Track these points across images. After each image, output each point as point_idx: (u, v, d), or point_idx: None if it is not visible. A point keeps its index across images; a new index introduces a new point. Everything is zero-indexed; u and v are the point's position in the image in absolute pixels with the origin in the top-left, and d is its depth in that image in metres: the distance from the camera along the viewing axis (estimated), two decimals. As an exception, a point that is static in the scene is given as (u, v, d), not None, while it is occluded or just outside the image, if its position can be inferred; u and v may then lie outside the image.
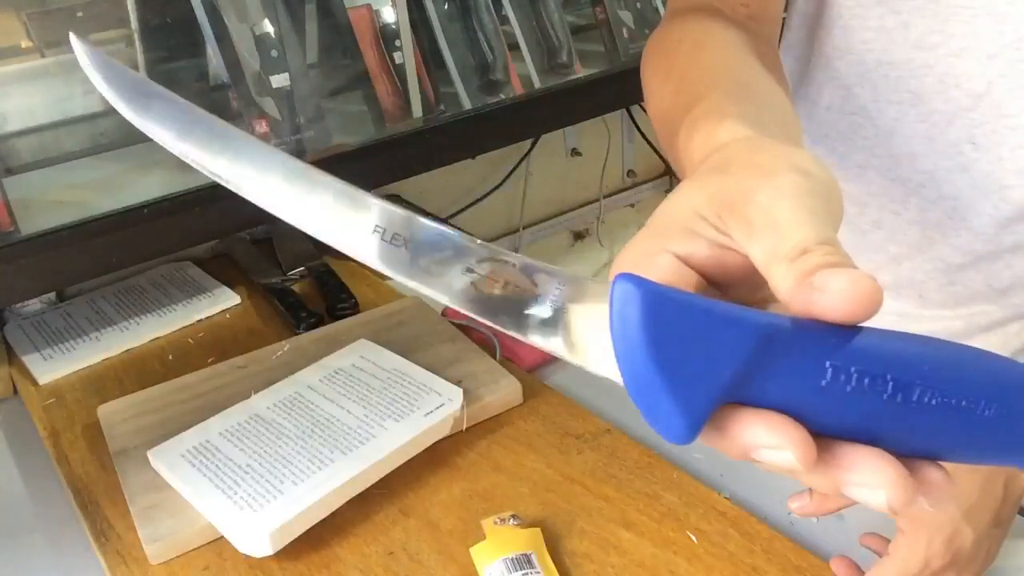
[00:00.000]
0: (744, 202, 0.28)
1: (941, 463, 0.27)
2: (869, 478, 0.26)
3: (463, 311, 0.30)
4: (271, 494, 0.63)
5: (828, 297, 0.25)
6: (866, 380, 0.25)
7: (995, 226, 0.56)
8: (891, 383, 0.25)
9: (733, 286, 0.30)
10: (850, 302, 0.25)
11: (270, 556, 0.61)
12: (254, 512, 0.61)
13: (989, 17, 0.52)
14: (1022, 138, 0.54)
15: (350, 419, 0.70)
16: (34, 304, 0.95)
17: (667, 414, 0.26)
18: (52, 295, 0.97)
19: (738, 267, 0.29)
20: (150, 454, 0.68)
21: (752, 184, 0.29)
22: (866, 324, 0.26)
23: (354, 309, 0.91)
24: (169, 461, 0.67)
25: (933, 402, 0.26)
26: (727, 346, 0.25)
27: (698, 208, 0.30)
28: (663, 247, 0.29)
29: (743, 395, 0.26)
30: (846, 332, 0.26)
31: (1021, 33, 0.52)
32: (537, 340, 0.29)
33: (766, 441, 0.26)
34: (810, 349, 0.26)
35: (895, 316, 0.64)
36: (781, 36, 0.63)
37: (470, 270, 0.30)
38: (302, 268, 1.00)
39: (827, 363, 0.25)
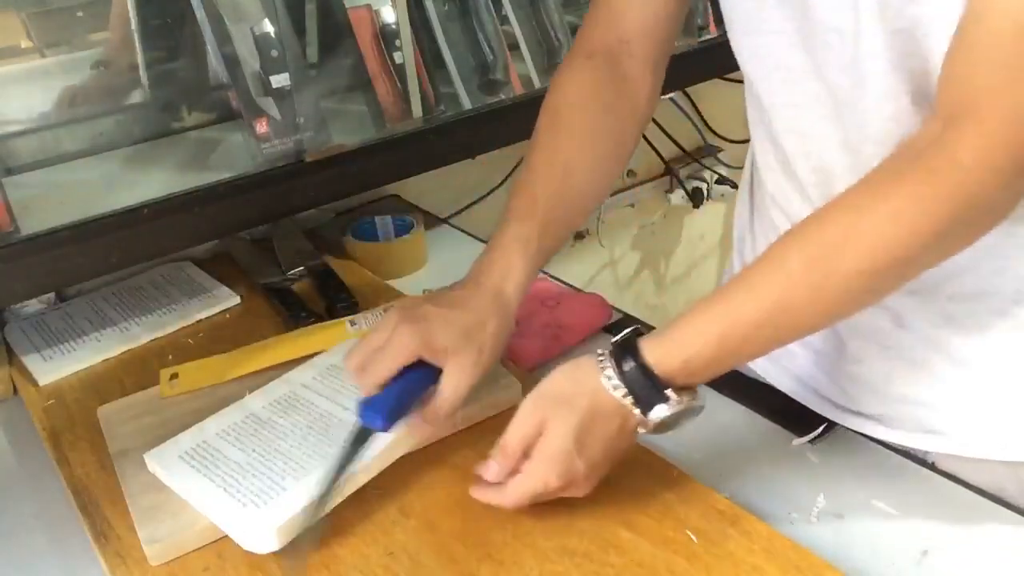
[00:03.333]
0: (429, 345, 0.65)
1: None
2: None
3: None
4: (273, 490, 0.63)
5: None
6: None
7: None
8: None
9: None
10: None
11: (270, 557, 0.61)
12: (258, 508, 0.61)
13: (839, 30, 0.60)
14: (873, 147, 0.62)
15: (347, 415, 0.70)
16: (34, 304, 0.95)
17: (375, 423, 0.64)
18: (52, 295, 0.96)
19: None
20: (147, 457, 0.68)
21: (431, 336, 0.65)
22: None
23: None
24: (166, 463, 0.67)
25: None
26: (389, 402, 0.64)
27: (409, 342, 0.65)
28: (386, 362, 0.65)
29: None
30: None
31: (865, 45, 0.59)
32: None
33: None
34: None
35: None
36: None
37: None
38: (302, 268, 1.00)
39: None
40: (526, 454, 0.60)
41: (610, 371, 0.59)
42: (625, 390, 0.58)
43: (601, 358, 0.60)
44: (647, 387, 0.58)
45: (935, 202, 0.52)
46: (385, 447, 0.66)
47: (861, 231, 0.54)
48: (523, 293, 0.70)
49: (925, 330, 0.67)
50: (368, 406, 0.64)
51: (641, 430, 0.60)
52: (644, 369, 0.58)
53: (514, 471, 0.61)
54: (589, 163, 0.73)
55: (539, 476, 0.60)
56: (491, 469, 0.62)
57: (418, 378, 0.65)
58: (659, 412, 0.58)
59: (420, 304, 0.67)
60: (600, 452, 0.60)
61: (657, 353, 0.58)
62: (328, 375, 0.76)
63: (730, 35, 0.70)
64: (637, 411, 0.59)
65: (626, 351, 0.59)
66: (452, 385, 0.65)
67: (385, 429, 0.64)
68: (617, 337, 0.61)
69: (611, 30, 0.74)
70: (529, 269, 0.70)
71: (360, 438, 0.64)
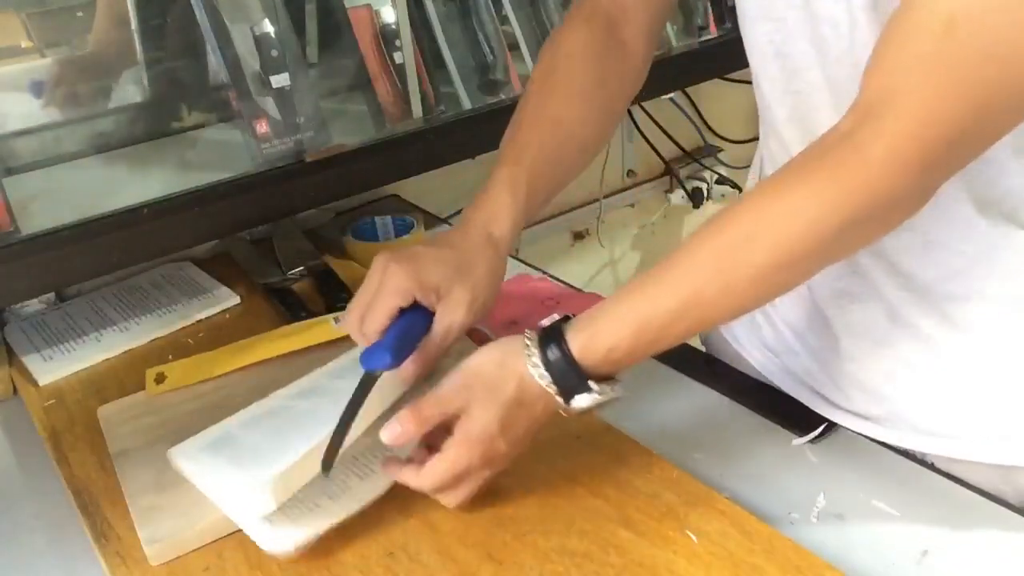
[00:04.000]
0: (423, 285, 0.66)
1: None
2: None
3: None
4: (282, 453, 0.62)
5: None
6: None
7: None
8: None
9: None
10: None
11: (270, 557, 0.61)
12: (261, 468, 0.61)
13: (832, 21, 0.60)
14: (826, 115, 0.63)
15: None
16: (34, 304, 0.95)
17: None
18: (52, 295, 0.96)
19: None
20: (171, 453, 0.66)
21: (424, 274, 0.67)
22: None
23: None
24: (189, 455, 0.66)
25: None
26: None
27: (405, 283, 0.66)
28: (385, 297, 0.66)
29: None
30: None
31: (857, 40, 0.59)
32: None
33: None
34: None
35: None
36: None
37: None
38: (302, 268, 1.00)
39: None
40: (447, 429, 0.60)
41: (536, 358, 0.59)
42: (549, 378, 0.59)
43: (528, 343, 0.60)
44: (570, 376, 0.59)
45: (839, 196, 0.53)
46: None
47: (766, 226, 0.55)
48: (513, 236, 0.71)
49: (920, 327, 0.67)
50: (371, 350, 0.64)
51: (562, 413, 0.61)
52: (568, 358, 0.58)
53: (430, 451, 0.61)
54: (579, 115, 0.74)
55: (462, 457, 0.60)
56: (394, 431, 0.61)
57: (416, 320, 0.66)
58: (580, 401, 0.59)
59: (409, 246, 0.68)
60: (522, 432, 0.61)
61: (580, 341, 0.59)
62: (355, 366, 0.74)
63: (740, 25, 0.70)
64: (560, 399, 0.60)
65: (551, 339, 0.59)
66: (445, 324, 0.65)
67: (394, 366, 0.64)
68: (545, 322, 0.61)
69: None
70: (517, 212, 0.71)
71: (365, 384, 0.64)
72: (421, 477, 0.61)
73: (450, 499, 0.62)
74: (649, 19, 0.76)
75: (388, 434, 0.61)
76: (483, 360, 0.62)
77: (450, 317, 0.66)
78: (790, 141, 0.69)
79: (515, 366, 0.60)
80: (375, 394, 0.65)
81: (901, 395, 0.70)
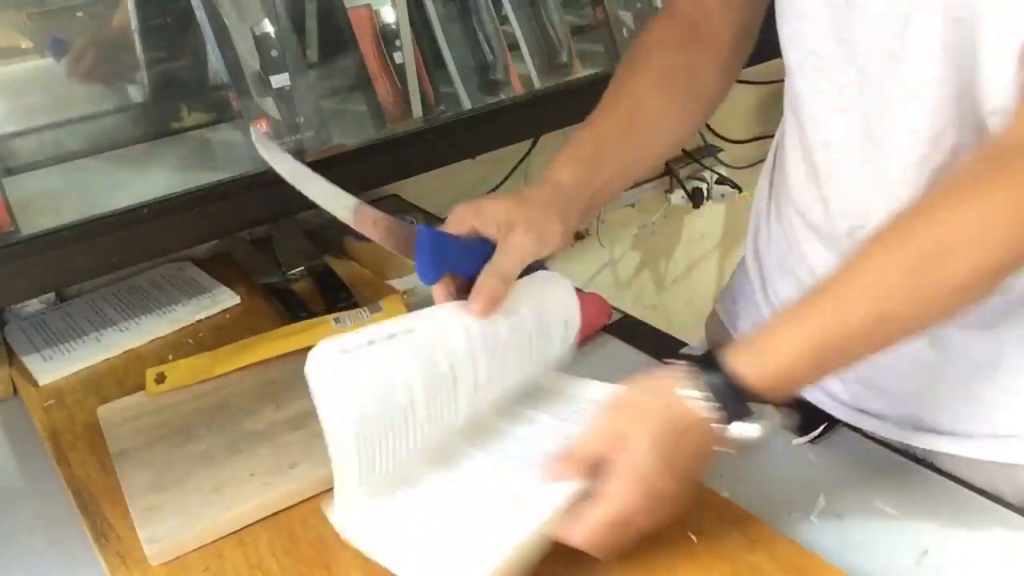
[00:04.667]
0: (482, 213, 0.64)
1: None
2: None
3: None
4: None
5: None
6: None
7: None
8: None
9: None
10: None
11: (270, 557, 0.61)
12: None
13: (889, 16, 0.58)
14: (907, 136, 0.61)
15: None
16: (34, 304, 0.95)
17: (425, 274, 0.63)
18: (52, 295, 0.97)
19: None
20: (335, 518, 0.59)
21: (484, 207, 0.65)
22: None
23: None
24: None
25: None
26: (449, 249, 0.63)
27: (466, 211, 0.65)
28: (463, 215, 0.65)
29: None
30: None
31: (913, 32, 0.57)
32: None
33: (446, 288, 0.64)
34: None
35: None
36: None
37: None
38: (302, 268, 1.00)
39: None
40: (596, 472, 0.55)
41: (693, 382, 0.55)
42: (711, 401, 0.54)
43: (681, 370, 0.56)
44: (733, 398, 0.55)
45: None
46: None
47: (959, 239, 0.52)
48: (577, 182, 0.68)
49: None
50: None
51: (717, 447, 0.56)
52: (731, 378, 0.55)
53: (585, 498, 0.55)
54: (658, 94, 0.73)
55: (622, 498, 0.54)
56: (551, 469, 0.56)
57: (477, 249, 0.64)
58: (742, 430, 0.55)
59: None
60: (688, 467, 0.56)
61: (746, 361, 0.55)
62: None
63: (777, 20, 0.69)
64: (721, 425, 0.55)
65: (708, 364, 0.55)
66: (505, 247, 0.63)
67: (433, 280, 0.64)
68: (694, 354, 0.58)
69: (695, 2, 0.75)
70: (583, 170, 0.69)
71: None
72: (573, 532, 0.55)
73: (607, 552, 0.56)
74: (732, 25, 0.74)
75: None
76: (631, 391, 0.58)
77: (511, 240, 0.63)
78: (813, 140, 0.68)
79: (668, 390, 0.56)
80: (450, 331, 0.61)
81: (910, 391, 0.70)
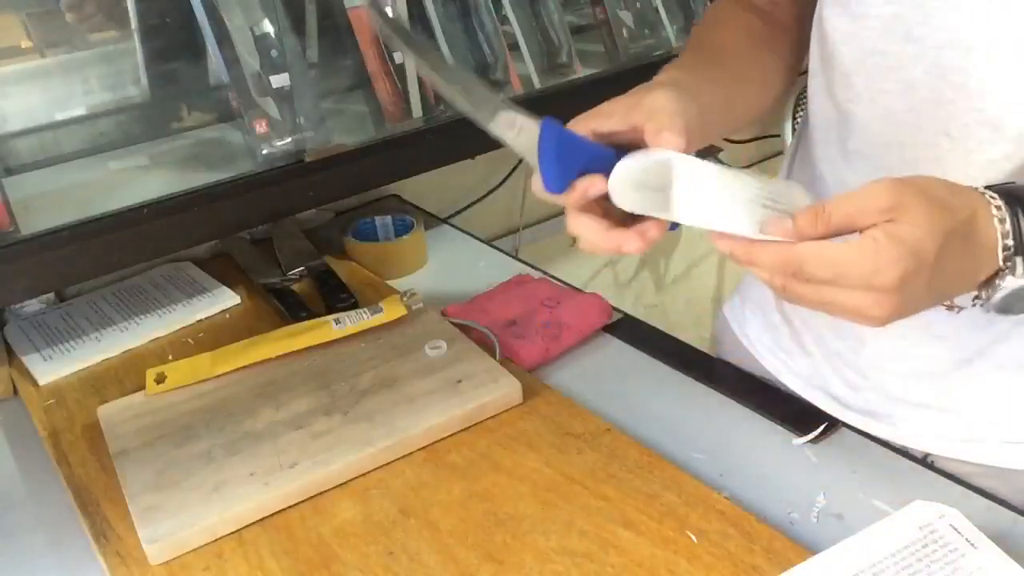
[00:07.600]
0: (642, 105, 0.55)
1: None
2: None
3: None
4: None
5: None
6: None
7: None
8: None
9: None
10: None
11: (270, 557, 0.61)
12: None
13: (969, 10, 0.56)
14: (989, 133, 0.58)
15: None
16: (34, 304, 0.95)
17: (551, 178, 0.53)
18: (52, 295, 0.97)
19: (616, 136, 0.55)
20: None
21: (646, 99, 0.55)
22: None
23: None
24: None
25: None
26: (579, 151, 0.54)
27: (616, 107, 0.56)
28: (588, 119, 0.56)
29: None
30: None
31: (997, 26, 0.55)
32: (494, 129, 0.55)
33: (584, 186, 0.53)
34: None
35: None
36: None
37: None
38: (302, 268, 1.00)
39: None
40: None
41: (1001, 206, 0.49)
42: (1011, 233, 0.48)
43: (989, 193, 0.50)
44: None
45: None
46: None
47: None
48: (689, 92, 0.58)
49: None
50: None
51: (965, 304, 0.52)
52: None
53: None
54: (747, 51, 0.70)
55: (869, 256, 0.46)
56: (784, 226, 0.48)
57: (603, 156, 0.55)
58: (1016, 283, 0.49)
59: None
60: (943, 282, 0.48)
61: None
62: None
63: (823, 21, 0.66)
64: (1008, 264, 0.49)
65: (1020, 201, 0.49)
66: (653, 122, 0.54)
67: (554, 189, 0.54)
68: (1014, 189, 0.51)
69: None
70: (682, 75, 0.63)
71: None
72: (795, 250, 0.47)
73: (780, 292, 0.49)
74: (797, 10, 0.73)
75: (780, 228, 0.48)
76: (931, 180, 0.49)
77: (658, 114, 0.54)
78: (908, 140, 0.63)
79: (973, 201, 0.49)
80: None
81: (915, 396, 0.70)
